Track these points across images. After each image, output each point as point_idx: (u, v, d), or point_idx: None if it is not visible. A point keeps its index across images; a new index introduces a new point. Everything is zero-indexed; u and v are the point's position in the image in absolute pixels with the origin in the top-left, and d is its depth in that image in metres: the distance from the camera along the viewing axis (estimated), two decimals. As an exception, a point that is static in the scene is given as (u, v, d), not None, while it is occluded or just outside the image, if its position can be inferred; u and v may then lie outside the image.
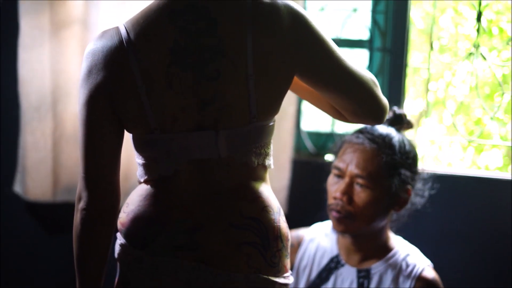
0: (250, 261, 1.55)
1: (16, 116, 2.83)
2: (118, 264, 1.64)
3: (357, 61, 2.76)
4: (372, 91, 1.61)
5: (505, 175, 2.60)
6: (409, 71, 2.71)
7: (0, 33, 2.89)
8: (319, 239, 2.26)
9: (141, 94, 1.51)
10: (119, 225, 1.64)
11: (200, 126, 1.53)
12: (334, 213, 2.11)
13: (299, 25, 1.55)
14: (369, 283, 2.13)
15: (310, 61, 1.57)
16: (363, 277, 2.14)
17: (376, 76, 2.72)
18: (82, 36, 2.67)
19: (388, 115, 2.21)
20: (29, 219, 2.96)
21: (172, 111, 1.52)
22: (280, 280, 1.60)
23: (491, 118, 2.62)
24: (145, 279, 1.57)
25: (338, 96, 1.61)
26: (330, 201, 2.13)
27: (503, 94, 2.58)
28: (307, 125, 2.83)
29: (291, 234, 2.29)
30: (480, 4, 2.55)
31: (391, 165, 2.09)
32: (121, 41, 1.51)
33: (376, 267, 2.15)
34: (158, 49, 1.50)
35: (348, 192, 2.09)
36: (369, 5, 2.72)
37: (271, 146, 1.64)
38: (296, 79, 1.63)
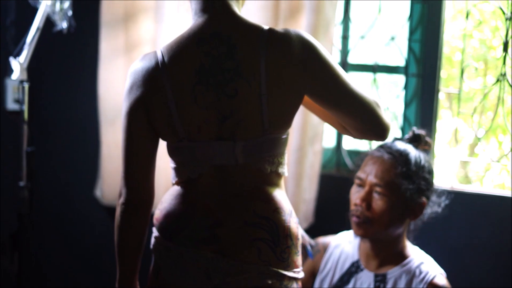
0: (261, 255, 1.78)
1: (97, 129, 3.18)
2: (152, 254, 1.91)
3: (394, 85, 2.99)
4: (374, 111, 1.82)
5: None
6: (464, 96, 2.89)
7: (81, 57, 3.26)
8: (343, 245, 2.47)
9: (171, 108, 1.77)
10: (154, 221, 1.91)
11: (220, 136, 1.78)
12: (354, 218, 2.33)
13: (308, 52, 1.77)
14: (384, 286, 2.32)
15: (317, 83, 1.79)
16: (380, 281, 2.34)
17: (411, 100, 2.93)
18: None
19: (408, 134, 2.44)
20: (102, 219, 3.31)
21: (197, 122, 1.78)
22: (290, 273, 1.82)
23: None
24: (172, 266, 1.83)
25: (343, 114, 1.83)
26: (352, 207, 2.35)
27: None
28: (347, 144, 3.06)
29: (319, 241, 2.53)
30: (507, 34, 2.72)
31: (406, 177, 2.29)
32: (157, 63, 1.78)
33: (392, 272, 2.34)
34: (186, 70, 1.77)
35: (367, 199, 2.31)
36: (406, 33, 2.93)
37: (285, 156, 1.87)
38: (307, 98, 1.87)
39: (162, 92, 1.78)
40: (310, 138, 2.86)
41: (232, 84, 1.76)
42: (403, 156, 2.31)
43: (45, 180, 3.31)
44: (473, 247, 2.78)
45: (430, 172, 2.36)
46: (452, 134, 2.91)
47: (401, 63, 2.96)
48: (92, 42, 3.14)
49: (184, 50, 1.78)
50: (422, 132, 2.43)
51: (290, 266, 1.83)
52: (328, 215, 2.92)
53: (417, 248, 2.44)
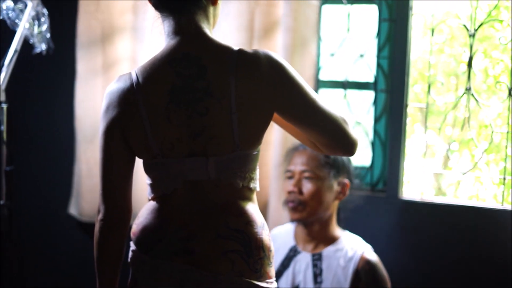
0: (234, 266, 1.84)
1: (72, 148, 3.24)
2: (130, 267, 1.97)
3: (363, 100, 3.09)
4: (342, 127, 1.89)
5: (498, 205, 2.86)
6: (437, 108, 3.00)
7: (60, 78, 3.33)
8: (279, 236, 2.76)
9: (146, 126, 1.84)
10: (131, 235, 1.97)
11: (193, 152, 1.85)
12: (290, 204, 2.66)
13: (276, 71, 1.84)
14: (321, 264, 2.61)
15: (286, 101, 1.86)
16: (317, 259, 2.63)
17: (380, 115, 3.02)
18: (131, 73, 3.07)
19: None
20: (81, 236, 3.36)
21: (170, 140, 1.84)
22: (262, 284, 1.88)
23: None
24: (148, 278, 1.89)
25: (312, 131, 1.90)
26: (286, 196, 2.68)
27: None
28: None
29: None
30: (471, 50, 2.83)
31: (328, 161, 2.66)
32: (132, 84, 1.85)
33: (327, 251, 2.65)
34: (160, 90, 1.84)
35: (298, 185, 2.67)
36: (374, 51, 3.03)
37: (257, 171, 1.94)
38: (277, 115, 1.95)
39: (137, 112, 1.84)
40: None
41: (203, 103, 1.82)
42: None
43: (24, 199, 3.36)
44: (442, 257, 2.85)
45: (347, 160, 2.71)
46: (424, 147, 3.01)
47: (370, 79, 3.05)
48: (70, 63, 3.20)
49: (157, 71, 1.85)
50: None
51: (263, 277, 1.89)
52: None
53: (347, 231, 2.71)
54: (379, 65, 3.03)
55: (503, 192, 2.88)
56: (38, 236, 3.45)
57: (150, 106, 1.84)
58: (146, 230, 1.91)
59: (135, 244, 1.94)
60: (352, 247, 2.63)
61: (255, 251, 1.87)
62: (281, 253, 2.71)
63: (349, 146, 1.91)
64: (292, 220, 2.69)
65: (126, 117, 1.86)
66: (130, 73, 1.89)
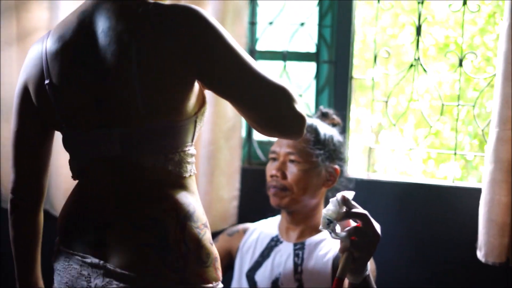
0: (147, 263, 1.56)
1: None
2: None
3: (305, 72, 2.87)
4: (277, 101, 1.55)
5: (448, 182, 2.69)
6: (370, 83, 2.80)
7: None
8: (263, 227, 2.50)
9: (48, 91, 1.63)
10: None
11: (98, 124, 1.61)
12: (271, 190, 2.40)
13: (198, 28, 1.54)
14: (303, 253, 2.35)
15: (207, 64, 1.55)
16: (299, 249, 2.37)
17: (323, 87, 2.81)
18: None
19: (317, 113, 2.52)
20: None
21: (72, 108, 1.62)
22: None
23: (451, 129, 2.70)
24: (61, 269, 1.69)
25: (243, 104, 1.57)
26: (268, 180, 2.41)
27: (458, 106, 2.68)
28: (258, 135, 2.91)
29: (239, 226, 2.55)
30: (419, 18, 2.63)
31: (316, 143, 2.38)
32: (42, 44, 1.66)
33: (310, 240, 2.37)
34: (63, 50, 1.62)
35: (282, 168, 2.39)
36: (315, 19, 2.80)
37: (187, 151, 1.64)
38: None
39: (40, 74, 1.66)
40: (225, 132, 2.71)
41: (106, 65, 1.57)
42: (312, 128, 2.39)
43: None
44: (391, 236, 2.68)
45: (340, 143, 2.44)
46: (356, 122, 2.82)
47: (312, 49, 2.83)
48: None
49: (65, 28, 1.65)
50: (329, 110, 2.52)
51: (191, 279, 1.58)
52: (245, 212, 2.80)
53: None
54: (321, 35, 2.80)
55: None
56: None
57: (53, 68, 1.64)
58: (62, 217, 1.73)
59: (57, 232, 1.75)
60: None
61: (174, 245, 1.57)
62: (260, 243, 2.44)
63: (293, 125, 1.58)
64: (274, 207, 2.41)
65: (33, 81, 1.68)
66: (48, 32, 1.70)
